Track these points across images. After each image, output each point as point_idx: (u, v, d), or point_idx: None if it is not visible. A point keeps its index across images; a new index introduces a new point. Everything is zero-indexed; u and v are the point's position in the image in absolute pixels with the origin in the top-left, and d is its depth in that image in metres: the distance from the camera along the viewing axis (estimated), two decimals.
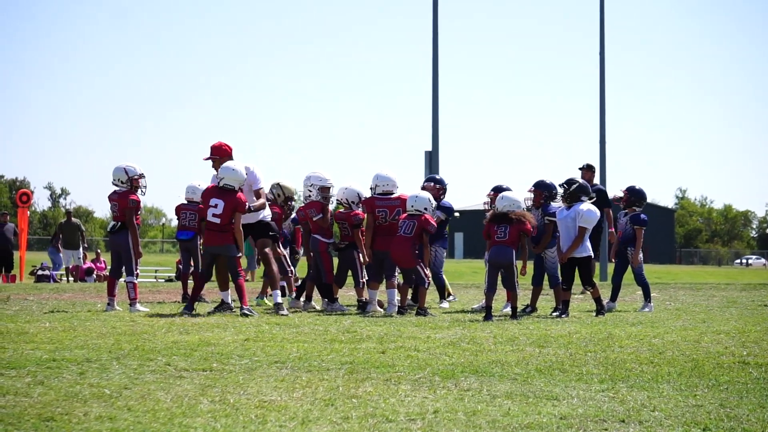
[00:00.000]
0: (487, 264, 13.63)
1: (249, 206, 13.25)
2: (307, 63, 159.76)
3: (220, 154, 13.46)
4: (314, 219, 14.01)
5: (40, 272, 32.60)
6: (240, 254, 13.06)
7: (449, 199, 15.40)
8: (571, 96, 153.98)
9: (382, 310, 13.70)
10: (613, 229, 17.64)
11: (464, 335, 10.18)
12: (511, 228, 12.95)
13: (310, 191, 14.14)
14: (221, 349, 8.68)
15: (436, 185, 15.24)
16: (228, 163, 13.12)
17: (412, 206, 13.44)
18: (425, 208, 13.40)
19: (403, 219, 13.42)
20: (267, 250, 13.73)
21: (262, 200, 13.53)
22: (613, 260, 15.57)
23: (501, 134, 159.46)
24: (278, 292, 13.46)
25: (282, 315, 12.84)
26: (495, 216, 13.16)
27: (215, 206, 12.88)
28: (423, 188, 15.03)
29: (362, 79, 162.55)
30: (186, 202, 15.89)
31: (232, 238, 12.92)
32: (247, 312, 12.63)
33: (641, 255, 15.06)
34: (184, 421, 5.62)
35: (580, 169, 18.90)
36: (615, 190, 15.67)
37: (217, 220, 12.87)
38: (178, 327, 10.64)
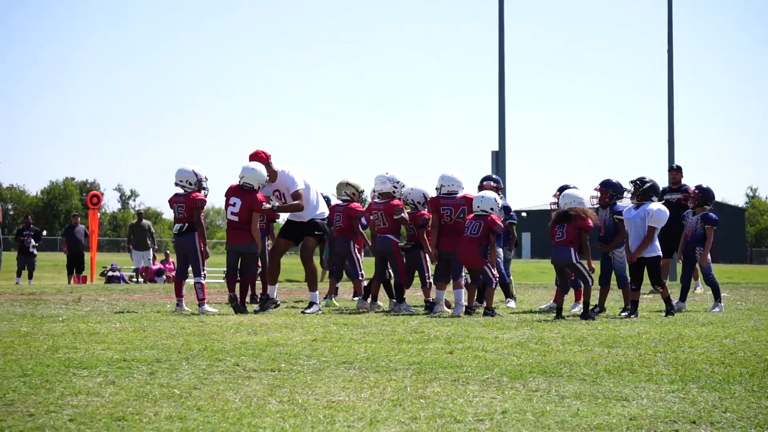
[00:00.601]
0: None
1: (273, 205, 13.70)
2: (374, 63, 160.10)
3: (257, 161, 13.61)
4: (395, 218, 13.97)
5: (110, 273, 33.02)
6: (257, 252, 13.36)
7: (514, 199, 15.46)
8: (639, 95, 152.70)
9: (449, 310, 13.69)
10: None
11: (532, 335, 10.14)
12: (569, 226, 12.85)
13: (395, 188, 14.11)
14: (289, 349, 8.71)
15: (493, 183, 15.27)
16: (249, 163, 13.45)
17: (479, 206, 13.39)
18: (491, 208, 13.35)
19: (470, 220, 13.39)
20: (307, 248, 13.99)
21: (297, 201, 13.67)
22: (679, 256, 15.43)
23: (567, 134, 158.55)
24: (317, 293, 13.88)
25: (305, 312, 13.35)
26: (558, 216, 13.08)
27: (233, 205, 13.25)
28: (481, 187, 15.15)
29: (429, 80, 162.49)
30: None
31: (250, 236, 13.27)
32: (242, 310, 13.19)
33: (709, 256, 14.92)
34: (253, 421, 5.64)
35: (669, 170, 18.88)
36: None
37: (236, 218, 13.25)
38: (246, 328, 10.70)
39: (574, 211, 12.88)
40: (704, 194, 15.03)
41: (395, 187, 14.08)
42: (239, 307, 13.20)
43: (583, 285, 12.93)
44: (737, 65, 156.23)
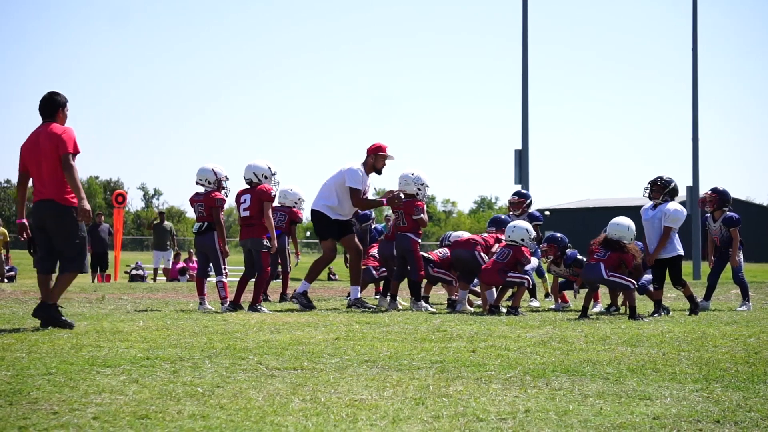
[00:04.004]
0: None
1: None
2: (400, 63, 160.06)
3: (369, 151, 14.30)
4: (414, 218, 13.92)
5: (134, 272, 33.13)
6: (270, 249, 13.33)
7: (537, 197, 15.69)
8: (663, 92, 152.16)
9: (471, 308, 13.69)
10: None
11: (555, 334, 10.12)
12: (614, 253, 12.78)
13: (419, 190, 14.07)
14: (312, 348, 8.71)
15: (520, 199, 15.91)
16: (251, 161, 13.67)
17: (509, 236, 13.43)
18: (522, 239, 13.37)
19: (502, 248, 13.43)
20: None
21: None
22: (710, 263, 15.36)
23: (591, 132, 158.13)
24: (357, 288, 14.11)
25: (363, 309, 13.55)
26: (605, 241, 12.94)
27: (244, 202, 13.40)
28: (510, 203, 16.04)
29: (453, 79, 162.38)
30: (279, 205, 16.11)
31: (260, 231, 13.26)
32: (257, 308, 13.08)
33: (741, 255, 14.90)
34: (276, 419, 5.65)
35: None
36: (707, 189, 15.46)
37: (247, 213, 13.32)
38: (269, 326, 10.71)
39: (630, 249, 12.81)
40: (721, 196, 15.01)
41: (419, 189, 14.03)
42: (232, 309, 13.18)
43: (628, 292, 12.77)
44: (763, 63, 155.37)
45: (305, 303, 13.58)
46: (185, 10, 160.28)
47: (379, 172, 14.19)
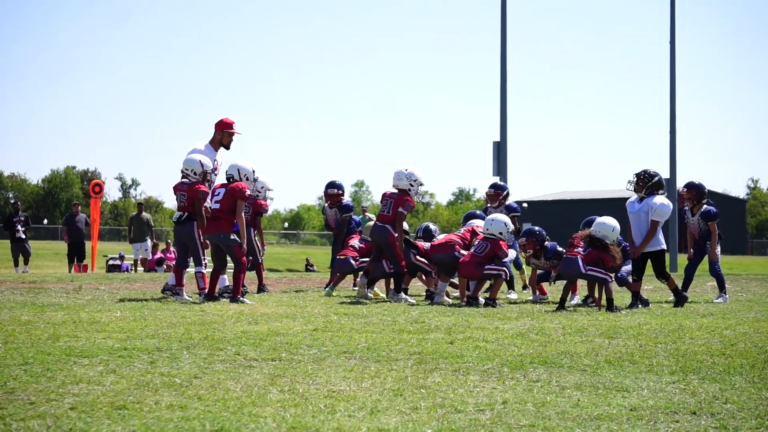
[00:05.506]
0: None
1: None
2: (375, 56, 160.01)
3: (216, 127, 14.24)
4: (399, 210, 13.94)
5: (111, 262, 33.03)
6: (241, 243, 13.32)
7: (515, 189, 15.71)
8: (641, 86, 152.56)
9: (450, 300, 13.71)
10: None
11: (533, 326, 10.14)
12: (594, 250, 12.79)
13: (411, 186, 14.11)
14: (290, 339, 8.71)
15: (497, 191, 15.91)
16: (237, 160, 13.82)
17: (488, 229, 13.47)
18: (500, 233, 13.39)
19: (480, 240, 13.44)
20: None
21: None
22: (689, 256, 15.41)
23: (569, 124, 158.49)
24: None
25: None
26: (591, 238, 12.94)
27: (218, 194, 13.46)
28: (487, 195, 16.05)
29: (432, 72, 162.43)
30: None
31: (226, 226, 13.33)
32: (239, 300, 13.03)
33: (719, 248, 14.96)
34: (254, 410, 5.64)
35: None
36: (684, 182, 15.52)
37: (217, 206, 13.39)
38: (247, 317, 10.70)
39: (612, 250, 12.81)
40: (698, 191, 15.08)
41: (411, 185, 14.07)
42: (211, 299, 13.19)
43: (605, 284, 12.78)
44: (739, 58, 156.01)
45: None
46: (162, 4, 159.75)
47: (227, 148, 14.19)
